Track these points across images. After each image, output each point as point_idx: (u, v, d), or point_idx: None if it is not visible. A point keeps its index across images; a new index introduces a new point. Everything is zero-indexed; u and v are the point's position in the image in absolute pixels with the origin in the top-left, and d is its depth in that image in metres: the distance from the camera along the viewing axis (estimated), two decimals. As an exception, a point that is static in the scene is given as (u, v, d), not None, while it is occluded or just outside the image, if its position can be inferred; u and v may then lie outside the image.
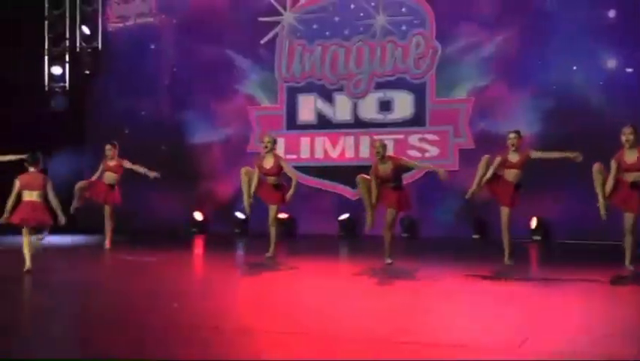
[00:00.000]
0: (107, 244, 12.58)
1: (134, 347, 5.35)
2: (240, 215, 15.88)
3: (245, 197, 10.79)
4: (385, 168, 10.10)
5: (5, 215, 9.37)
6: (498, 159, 9.99)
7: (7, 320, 6.47)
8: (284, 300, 7.70)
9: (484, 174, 9.91)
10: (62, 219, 9.49)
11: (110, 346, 5.43)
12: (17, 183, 9.33)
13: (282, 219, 13.06)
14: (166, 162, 15.38)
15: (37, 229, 9.72)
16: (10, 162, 11.43)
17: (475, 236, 14.76)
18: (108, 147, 12.75)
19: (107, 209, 12.58)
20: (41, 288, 8.52)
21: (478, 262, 10.82)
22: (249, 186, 10.75)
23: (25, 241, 9.31)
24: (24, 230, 9.33)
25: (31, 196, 9.26)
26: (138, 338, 5.69)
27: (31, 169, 9.47)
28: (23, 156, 9.81)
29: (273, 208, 10.83)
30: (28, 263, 9.17)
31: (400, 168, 10.31)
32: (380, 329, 6.04)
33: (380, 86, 15.91)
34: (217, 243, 14.52)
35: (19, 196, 9.34)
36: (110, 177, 12.60)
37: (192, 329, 5.92)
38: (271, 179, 10.83)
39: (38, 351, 5.31)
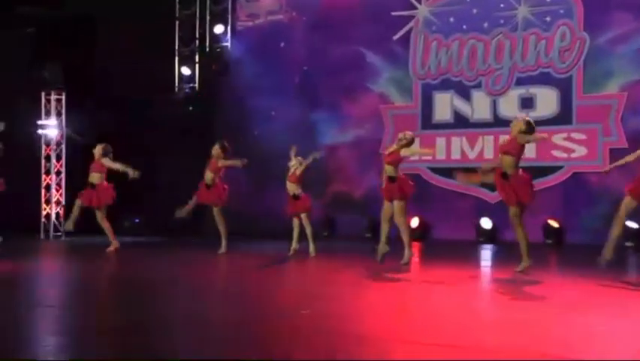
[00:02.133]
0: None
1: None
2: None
3: None
4: None
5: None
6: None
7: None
8: (416, 308, 7.53)
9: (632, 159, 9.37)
10: None
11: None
12: None
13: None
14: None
15: None
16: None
17: (628, 244, 13.76)
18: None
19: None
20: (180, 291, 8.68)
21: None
22: None
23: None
24: None
25: None
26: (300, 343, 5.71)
27: None
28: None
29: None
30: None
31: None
32: (521, 341, 5.73)
33: (521, 81, 15.29)
34: (346, 247, 14.42)
35: None
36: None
37: (335, 335, 5.88)
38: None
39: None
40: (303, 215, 12.18)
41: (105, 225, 12.77)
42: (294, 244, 12.31)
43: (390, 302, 7.94)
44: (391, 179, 10.36)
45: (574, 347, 5.64)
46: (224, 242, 12.61)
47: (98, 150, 12.78)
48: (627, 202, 9.09)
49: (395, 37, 16.35)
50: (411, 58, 16.34)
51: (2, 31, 16.63)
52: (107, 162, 12.64)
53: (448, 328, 6.34)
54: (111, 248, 12.75)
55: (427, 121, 16.17)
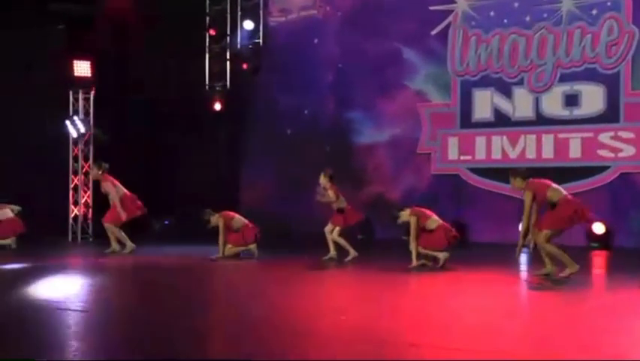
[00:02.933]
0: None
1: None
2: None
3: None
4: None
5: None
6: None
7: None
8: (451, 313, 7.40)
9: None
10: None
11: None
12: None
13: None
14: (329, 165, 14.66)
15: None
16: None
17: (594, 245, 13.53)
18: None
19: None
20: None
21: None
22: None
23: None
24: None
25: None
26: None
27: None
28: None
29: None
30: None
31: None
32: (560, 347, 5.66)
33: (566, 78, 14.80)
34: (383, 249, 14.24)
35: None
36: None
37: (380, 344, 5.81)
38: None
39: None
40: (337, 228, 12.08)
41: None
42: (352, 252, 12.07)
43: (422, 305, 7.90)
44: None
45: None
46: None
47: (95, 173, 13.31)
48: None
49: (433, 33, 15.98)
50: (449, 54, 15.94)
51: (34, 29, 16.45)
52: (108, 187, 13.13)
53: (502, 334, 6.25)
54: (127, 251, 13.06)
55: (466, 119, 15.78)
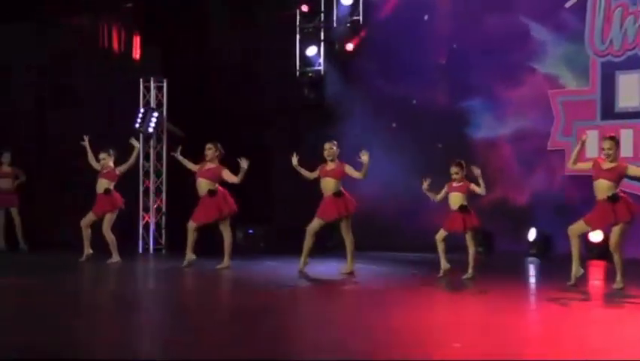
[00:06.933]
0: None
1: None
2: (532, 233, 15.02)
3: None
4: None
5: None
6: None
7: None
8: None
9: None
10: None
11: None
12: None
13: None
14: (443, 163, 14.40)
15: None
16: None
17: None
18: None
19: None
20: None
21: None
22: None
23: None
24: None
25: None
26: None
27: None
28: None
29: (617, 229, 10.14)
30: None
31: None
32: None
33: None
34: (505, 265, 13.93)
35: None
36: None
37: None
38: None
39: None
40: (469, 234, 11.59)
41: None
42: (444, 264, 11.59)
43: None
44: None
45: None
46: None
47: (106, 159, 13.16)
48: None
49: (567, 5, 15.14)
50: (587, 30, 15.05)
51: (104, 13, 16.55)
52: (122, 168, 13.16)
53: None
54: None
55: (609, 109, 14.97)
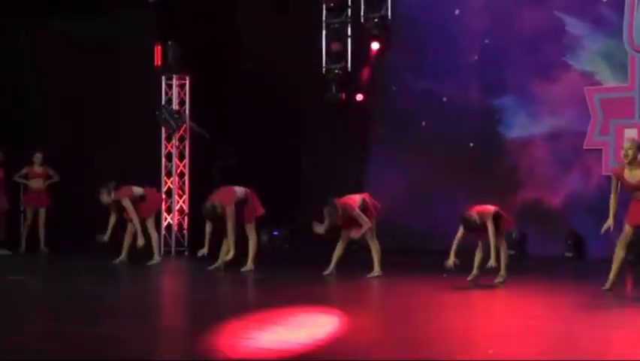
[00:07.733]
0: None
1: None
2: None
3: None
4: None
5: None
6: None
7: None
8: None
9: None
10: None
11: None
12: None
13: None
14: (474, 163, 14.83)
15: None
16: None
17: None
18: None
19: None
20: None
21: None
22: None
23: None
24: None
25: None
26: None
27: None
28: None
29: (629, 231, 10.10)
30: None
31: None
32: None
33: None
34: (538, 268, 13.82)
35: None
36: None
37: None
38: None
39: None
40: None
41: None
42: (476, 271, 11.37)
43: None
44: None
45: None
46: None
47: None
48: None
49: None
50: (626, 24, 14.59)
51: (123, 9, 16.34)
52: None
53: None
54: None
55: None
